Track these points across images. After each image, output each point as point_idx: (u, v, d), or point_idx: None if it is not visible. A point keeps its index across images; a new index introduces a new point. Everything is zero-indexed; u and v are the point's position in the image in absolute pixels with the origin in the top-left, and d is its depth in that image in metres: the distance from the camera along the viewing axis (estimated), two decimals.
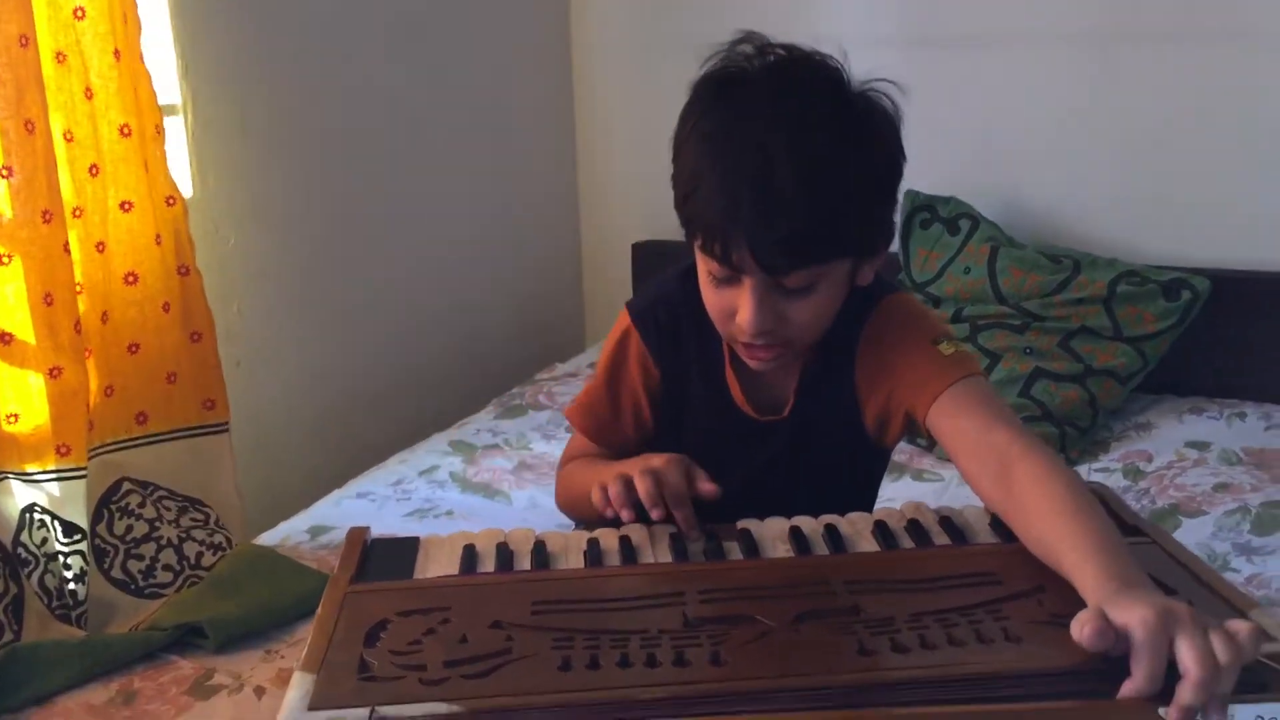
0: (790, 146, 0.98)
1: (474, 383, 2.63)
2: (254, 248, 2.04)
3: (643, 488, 1.03)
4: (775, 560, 0.99)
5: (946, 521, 1.06)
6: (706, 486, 1.05)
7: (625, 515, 1.04)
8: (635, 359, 1.23)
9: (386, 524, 1.81)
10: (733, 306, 1.06)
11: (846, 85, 1.04)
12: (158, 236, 1.71)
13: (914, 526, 1.05)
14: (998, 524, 1.04)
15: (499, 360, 2.75)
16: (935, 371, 1.10)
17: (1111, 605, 0.76)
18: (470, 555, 1.02)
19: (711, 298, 1.09)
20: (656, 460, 1.08)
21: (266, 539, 1.78)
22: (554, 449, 2.14)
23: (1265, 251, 2.28)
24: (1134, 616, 0.74)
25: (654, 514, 1.04)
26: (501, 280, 2.78)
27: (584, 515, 1.27)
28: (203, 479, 1.79)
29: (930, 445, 2.03)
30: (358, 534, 1.06)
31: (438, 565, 1.01)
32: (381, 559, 1.03)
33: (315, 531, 1.80)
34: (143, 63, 1.67)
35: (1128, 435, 2.14)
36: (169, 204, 1.72)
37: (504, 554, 1.02)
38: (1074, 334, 2.19)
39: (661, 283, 1.25)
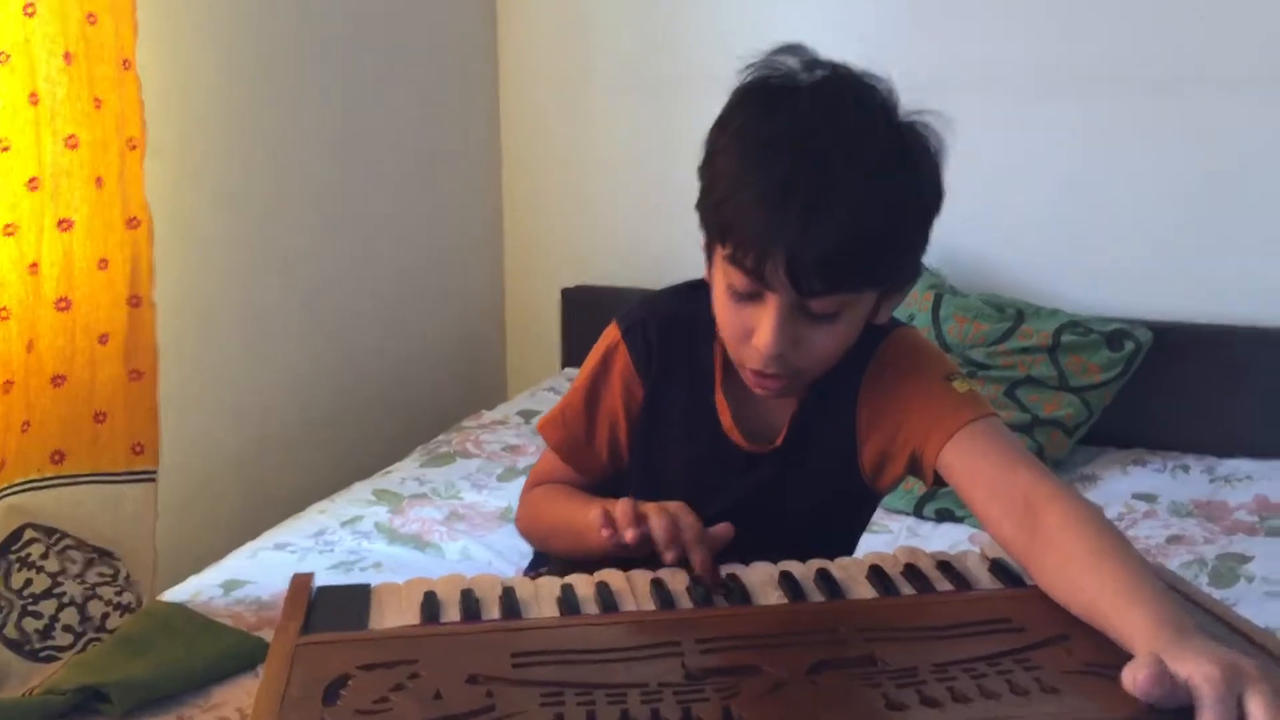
0: (844, 164, 0.94)
1: (397, 430, 2.52)
2: (165, 284, 1.91)
3: (659, 525, 0.96)
4: (772, 607, 0.92)
5: (946, 566, 1.00)
6: (722, 527, 0.98)
7: (630, 535, 0.97)
8: (619, 376, 1.16)
9: None
10: (750, 326, 1.00)
11: (897, 110, 1.00)
12: (102, 260, 1.58)
13: (911, 571, 0.98)
14: (999, 569, 0.98)
15: (423, 407, 2.64)
16: (949, 409, 1.05)
17: (1170, 654, 0.70)
18: (432, 603, 0.92)
19: (728, 315, 1.02)
20: (672, 506, 1.01)
21: (176, 594, 1.64)
22: (486, 499, 2.05)
23: (1204, 304, 2.31)
24: (1198, 670, 0.68)
25: (668, 555, 0.96)
26: (425, 325, 2.69)
27: (554, 546, 1.20)
28: (118, 529, 1.65)
29: (932, 490, 1.99)
30: (303, 580, 0.96)
31: (394, 614, 0.91)
32: (330, 608, 0.93)
33: (229, 586, 1.67)
34: (129, 69, 1.56)
35: (1075, 487, 2.12)
36: (130, 226, 1.60)
37: (469, 601, 0.92)
38: (1019, 383, 2.18)
39: (658, 298, 1.19)
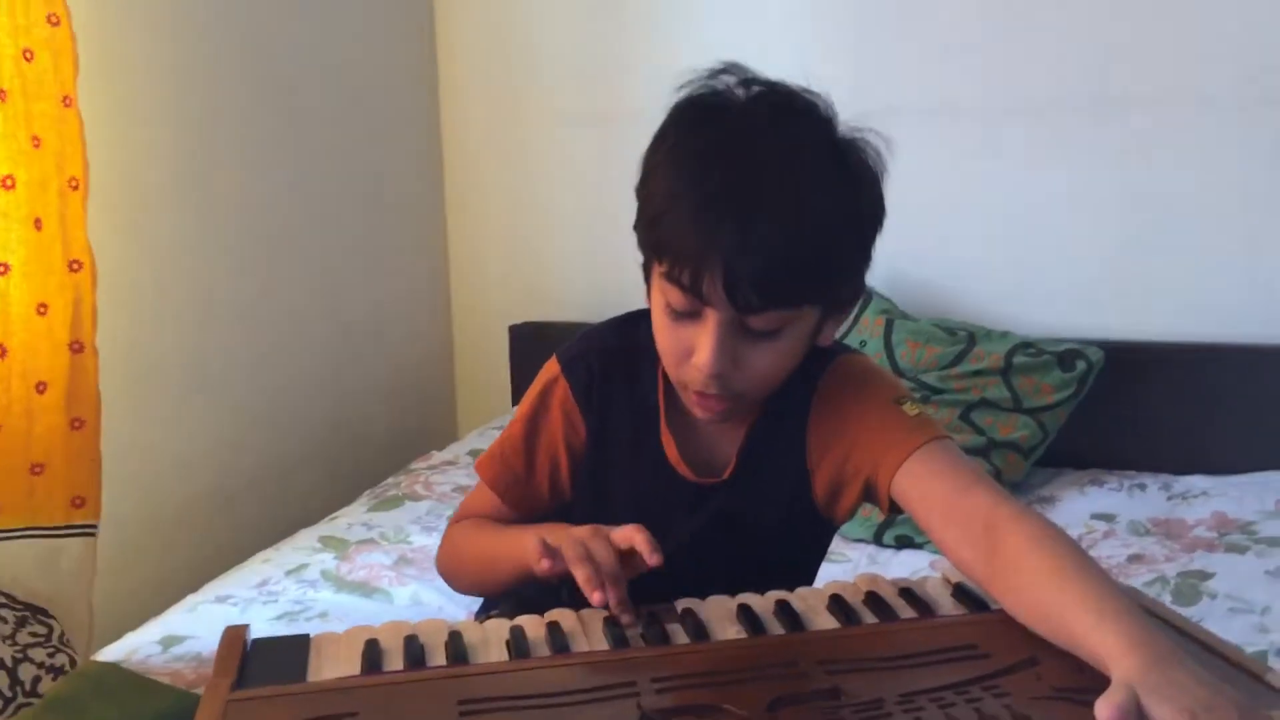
0: (781, 176, 0.92)
1: (343, 474, 2.46)
2: (104, 331, 1.85)
3: (581, 574, 0.93)
4: (729, 641, 0.88)
5: (907, 593, 0.97)
6: (653, 558, 0.94)
7: (597, 599, 0.92)
8: (559, 411, 1.13)
9: (252, 630, 1.62)
10: (689, 345, 0.98)
11: (836, 126, 0.98)
12: (41, 305, 1.53)
13: (873, 600, 0.96)
14: (961, 593, 0.96)
15: (373, 451, 2.59)
16: (900, 434, 1.02)
17: (1146, 690, 0.68)
18: (373, 652, 0.88)
19: (666, 334, 1.00)
20: (580, 533, 0.98)
21: (111, 653, 1.57)
22: (436, 542, 1.96)
23: (1155, 322, 2.32)
24: (1169, 712, 0.66)
25: (595, 598, 0.92)
26: (373, 368, 2.64)
27: (471, 577, 1.18)
28: (55, 586, 1.59)
29: (891, 517, 1.96)
30: (235, 633, 0.91)
31: (334, 666, 0.87)
32: (266, 661, 0.89)
33: (168, 642, 1.61)
34: (70, 106, 1.51)
35: (1034, 508, 2.11)
36: (72, 269, 1.55)
37: (413, 649, 0.88)
38: (974, 406, 2.17)
39: (596, 332, 1.16)
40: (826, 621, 0.92)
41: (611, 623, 0.92)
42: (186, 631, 1.64)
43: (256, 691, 0.81)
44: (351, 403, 2.56)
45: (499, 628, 0.93)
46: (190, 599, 1.78)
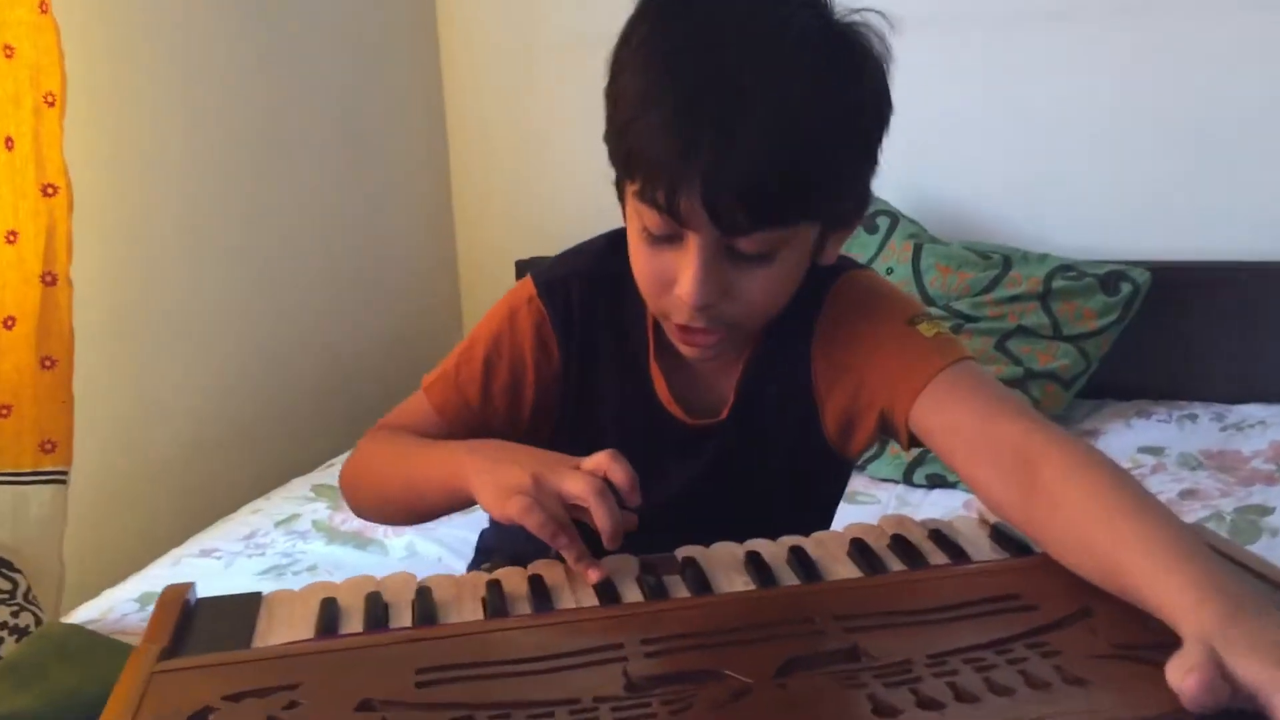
0: (766, 75, 0.80)
1: (341, 419, 2.37)
2: (81, 264, 1.75)
3: (534, 521, 0.80)
4: (734, 595, 0.79)
5: (938, 535, 0.87)
6: (632, 496, 0.83)
7: (593, 576, 0.81)
8: (531, 335, 1.00)
9: (235, 585, 1.55)
10: (670, 273, 0.87)
11: (830, 11, 0.86)
12: (11, 233, 1.44)
13: (900, 544, 0.86)
14: (1000, 535, 0.86)
15: (369, 393, 2.49)
16: (917, 358, 0.91)
17: (1227, 647, 0.57)
18: (330, 612, 0.79)
19: (643, 261, 0.89)
20: (524, 470, 0.84)
21: (86, 612, 1.50)
22: None
23: (1204, 240, 2.19)
24: (1267, 676, 0.55)
25: (562, 548, 0.81)
26: (370, 305, 2.54)
27: (384, 498, 1.02)
28: (21, 538, 1.51)
29: (922, 453, 1.86)
30: (175, 593, 0.82)
31: (286, 628, 0.78)
32: (209, 625, 0.80)
33: (146, 599, 1.53)
34: (45, 13, 1.42)
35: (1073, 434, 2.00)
36: (46, 193, 1.46)
37: (375, 607, 0.79)
38: (1010, 334, 2.06)
39: (576, 255, 1.05)
40: (846, 570, 0.82)
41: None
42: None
43: (189, 660, 0.72)
44: (351, 344, 2.46)
45: (475, 582, 0.84)
46: (174, 553, 1.71)
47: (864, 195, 0.92)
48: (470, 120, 2.76)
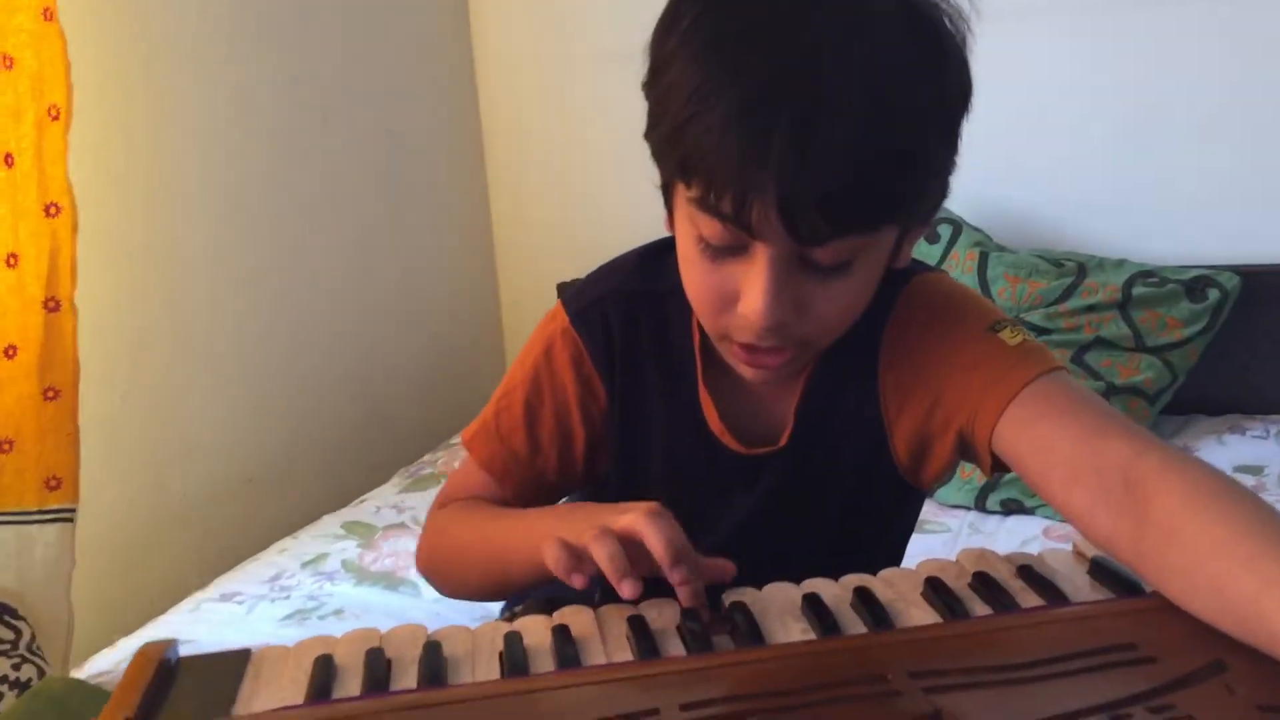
0: (847, 59, 0.70)
1: (376, 453, 2.29)
2: (101, 289, 1.68)
3: (602, 552, 0.72)
4: (790, 647, 0.68)
5: (1028, 572, 0.76)
6: (718, 563, 0.74)
7: (627, 590, 0.71)
8: (571, 371, 0.92)
9: (256, 631, 1.47)
10: (732, 288, 0.77)
11: None
12: (11, 256, 1.38)
13: (983, 583, 0.75)
14: (1102, 571, 0.75)
15: (406, 425, 2.42)
16: (1001, 368, 0.81)
17: None
18: (324, 672, 0.69)
19: (701, 276, 0.79)
20: (636, 511, 0.76)
21: (97, 663, 1.43)
22: None
23: None
24: None
25: (625, 588, 0.71)
26: (406, 331, 2.46)
27: (466, 578, 0.94)
28: (25, 582, 1.44)
29: (992, 479, 1.74)
30: (152, 651, 0.73)
31: (273, 692, 0.69)
32: (189, 687, 0.71)
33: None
34: (51, 20, 1.37)
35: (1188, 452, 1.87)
36: (49, 213, 1.40)
37: (376, 666, 0.70)
38: (1088, 347, 1.93)
39: (611, 271, 0.96)
40: (922, 614, 0.72)
41: (636, 624, 0.72)
42: (184, 635, 1.48)
43: None
44: (386, 373, 2.39)
45: (493, 635, 0.74)
46: (195, 597, 1.64)
47: (944, 189, 0.82)
48: (508, 137, 2.69)
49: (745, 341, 0.80)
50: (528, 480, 0.94)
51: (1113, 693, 0.57)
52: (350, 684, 0.69)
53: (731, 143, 0.70)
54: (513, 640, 0.71)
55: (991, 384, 0.81)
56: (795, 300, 0.76)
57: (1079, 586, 0.74)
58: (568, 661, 0.69)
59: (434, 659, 0.70)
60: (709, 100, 0.72)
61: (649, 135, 0.80)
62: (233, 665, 0.73)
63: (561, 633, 0.72)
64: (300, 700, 0.67)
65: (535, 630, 0.74)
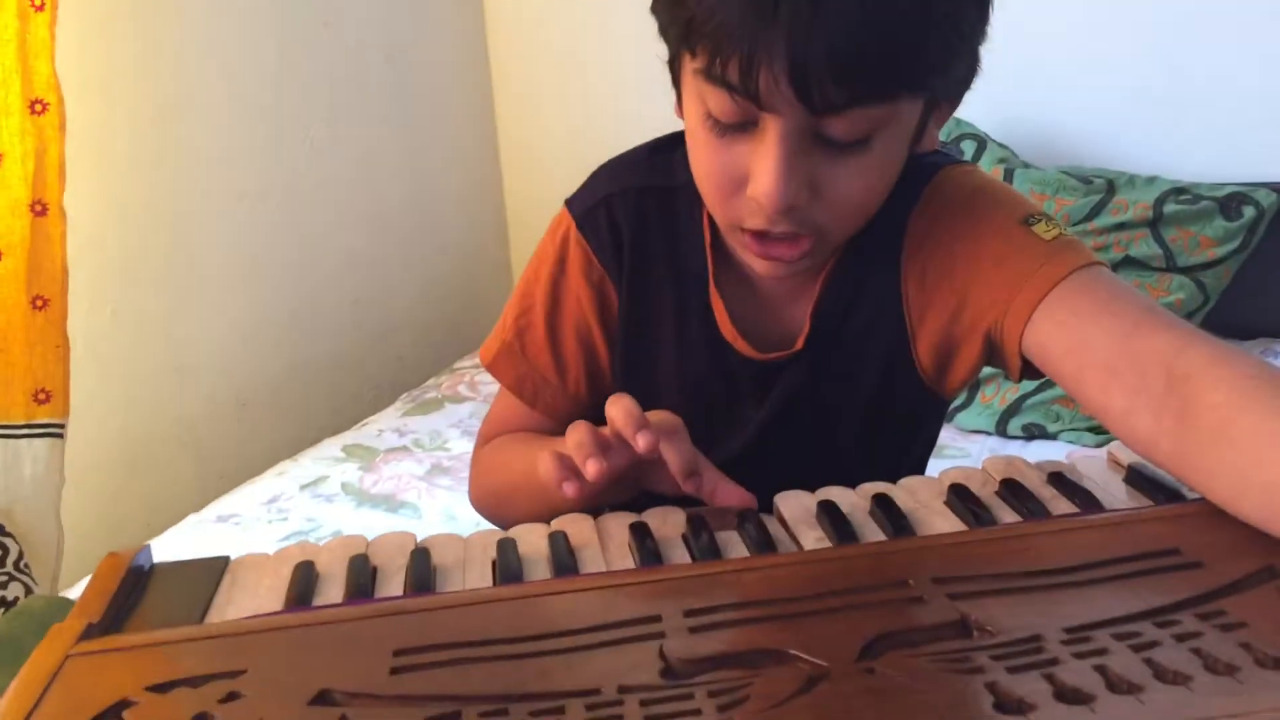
0: None
1: (380, 374, 2.26)
2: (89, 198, 1.63)
3: (572, 438, 0.70)
4: (804, 554, 0.64)
5: (1059, 479, 0.72)
6: (640, 440, 0.70)
7: (591, 468, 0.69)
8: (582, 280, 0.88)
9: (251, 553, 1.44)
10: (742, 168, 0.72)
11: None
12: None
13: (1012, 490, 0.70)
14: (1140, 478, 0.70)
15: (410, 345, 2.38)
16: (1034, 263, 0.76)
17: None
18: (304, 579, 0.66)
19: (708, 156, 0.74)
20: (654, 415, 0.73)
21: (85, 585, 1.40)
22: None
23: None
24: None
25: (589, 467, 0.69)
26: (411, 248, 2.41)
27: (514, 512, 0.89)
28: (13, 498, 1.41)
29: (1017, 401, 1.69)
30: (118, 559, 0.69)
31: (249, 600, 0.65)
32: (161, 594, 0.68)
33: None
34: None
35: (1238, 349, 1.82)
36: (35, 111, 1.34)
37: (360, 573, 0.66)
38: (1117, 266, 1.87)
39: (616, 168, 0.90)
40: (946, 522, 0.67)
41: (638, 531, 0.68)
42: (178, 557, 1.45)
43: (116, 640, 0.59)
44: (389, 292, 2.34)
45: (485, 542, 0.70)
46: (190, 519, 1.61)
47: (974, 59, 0.75)
48: (513, 45, 2.62)
49: (757, 228, 0.75)
50: (561, 401, 0.91)
51: (1157, 598, 0.53)
52: (332, 592, 0.65)
53: (736, 3, 0.65)
54: (506, 547, 0.68)
55: (1023, 280, 0.76)
56: (809, 180, 0.71)
57: (1115, 494, 0.69)
58: (565, 569, 0.65)
59: (422, 566, 0.66)
60: None
61: (654, 7, 0.74)
62: (209, 572, 0.70)
63: (559, 539, 0.68)
64: (278, 607, 0.63)
65: (530, 537, 0.70)
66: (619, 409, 0.71)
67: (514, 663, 0.52)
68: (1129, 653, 0.48)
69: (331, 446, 1.83)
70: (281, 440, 1.95)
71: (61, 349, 1.42)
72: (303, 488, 1.67)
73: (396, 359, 2.32)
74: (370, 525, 1.54)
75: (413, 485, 1.66)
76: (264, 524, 1.55)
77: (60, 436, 1.43)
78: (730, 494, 0.72)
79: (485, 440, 0.97)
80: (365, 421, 1.96)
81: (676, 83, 0.77)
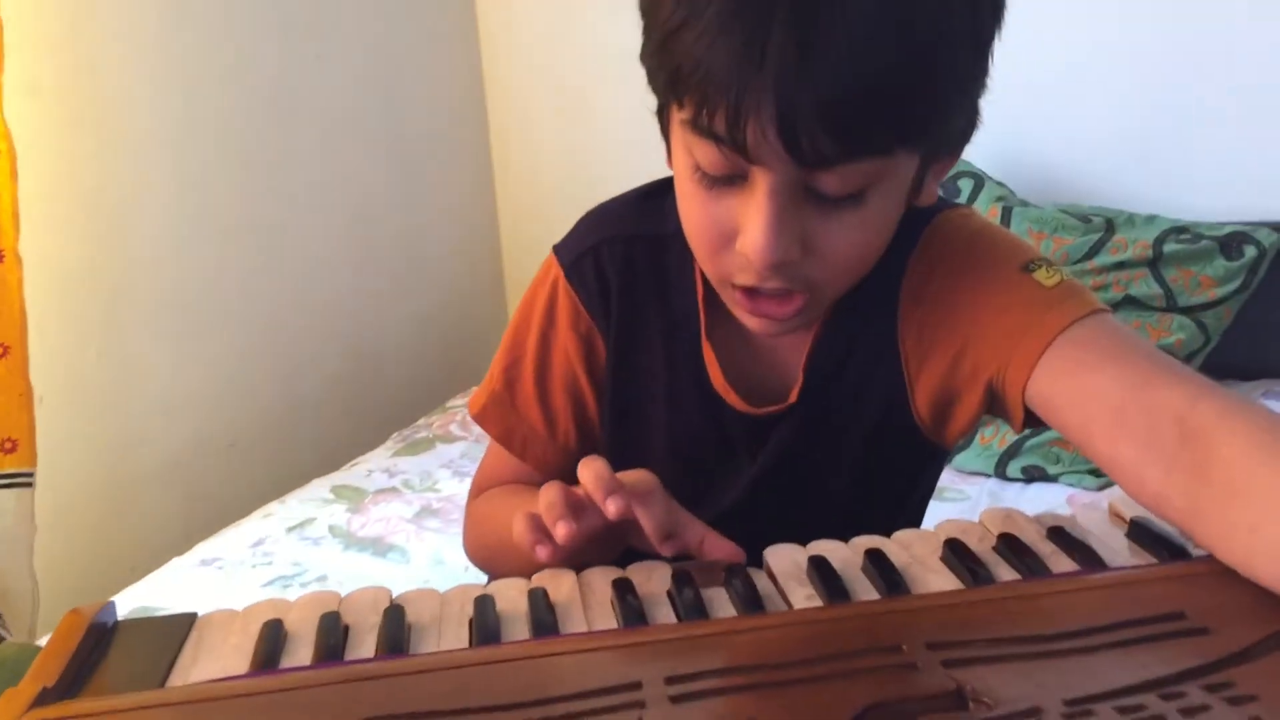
0: None
1: (369, 414, 2.23)
2: (53, 239, 1.61)
3: (542, 500, 0.69)
4: (793, 613, 0.61)
5: (1059, 534, 0.69)
6: (610, 505, 0.68)
7: (561, 531, 0.67)
8: (570, 331, 0.87)
9: (235, 598, 1.41)
10: (731, 223, 0.70)
11: None
12: None
13: (1010, 546, 0.68)
14: (1142, 533, 0.68)
15: (401, 384, 2.36)
16: (1036, 312, 0.74)
17: None
18: (272, 638, 0.63)
19: (697, 210, 0.72)
20: (629, 476, 0.72)
21: None
22: (468, 486, 1.76)
23: None
24: None
25: (559, 530, 0.67)
26: (403, 285, 2.39)
27: (504, 568, 0.87)
28: None
29: (1017, 443, 1.68)
30: (81, 615, 0.66)
31: (214, 661, 0.62)
32: (123, 654, 0.65)
33: (138, 615, 1.39)
34: None
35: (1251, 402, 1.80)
36: None
37: (330, 633, 0.63)
38: (1117, 306, 1.86)
39: (609, 212, 0.89)
40: (941, 580, 0.65)
41: (621, 588, 0.65)
42: (160, 602, 1.43)
43: (71, 707, 0.56)
44: (379, 329, 2.32)
45: (463, 599, 0.67)
46: (173, 562, 1.58)
47: (974, 112, 0.73)
48: (510, 82, 2.61)
49: (747, 284, 0.73)
50: (551, 453, 0.89)
51: (1161, 668, 0.50)
52: (301, 652, 0.62)
53: (723, 46, 0.63)
54: (484, 605, 0.65)
55: (1026, 329, 0.74)
56: (800, 236, 0.69)
57: (1117, 550, 0.67)
58: (544, 629, 0.62)
59: (396, 625, 0.64)
60: (699, 6, 0.64)
61: (642, 55, 0.72)
62: (174, 630, 0.67)
63: (538, 597, 0.66)
64: (244, 669, 0.61)
65: (510, 594, 0.67)
66: (589, 472, 0.69)
67: None
68: None
69: (320, 487, 1.81)
70: (270, 480, 1.92)
71: (25, 397, 1.39)
72: (289, 530, 1.64)
73: (386, 398, 2.29)
74: (357, 569, 1.51)
75: (401, 528, 1.63)
76: (248, 568, 1.53)
77: (29, 486, 1.40)
78: (718, 547, 0.70)
79: (478, 491, 0.96)
80: (355, 461, 1.94)
81: (666, 133, 0.76)
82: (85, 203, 1.66)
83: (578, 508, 0.69)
